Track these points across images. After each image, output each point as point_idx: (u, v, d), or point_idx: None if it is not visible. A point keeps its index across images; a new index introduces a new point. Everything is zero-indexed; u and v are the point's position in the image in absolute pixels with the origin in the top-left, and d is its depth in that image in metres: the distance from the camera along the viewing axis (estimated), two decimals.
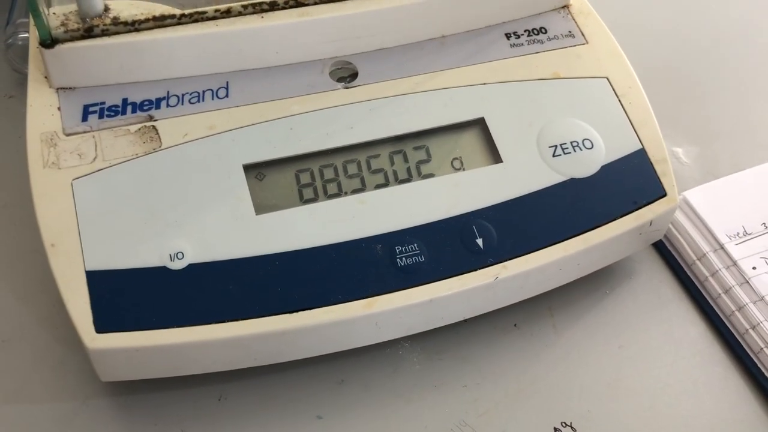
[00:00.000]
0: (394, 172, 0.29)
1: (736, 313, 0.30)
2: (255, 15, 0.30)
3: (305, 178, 0.29)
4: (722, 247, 0.32)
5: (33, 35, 0.30)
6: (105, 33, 0.28)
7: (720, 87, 0.41)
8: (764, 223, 0.33)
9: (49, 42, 0.28)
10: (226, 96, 0.29)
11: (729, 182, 0.34)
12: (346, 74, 0.31)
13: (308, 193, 0.28)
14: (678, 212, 0.33)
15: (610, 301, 0.32)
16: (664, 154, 0.31)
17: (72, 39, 0.28)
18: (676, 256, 0.33)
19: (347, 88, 0.30)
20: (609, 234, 0.29)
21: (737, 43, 0.43)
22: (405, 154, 0.29)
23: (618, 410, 0.29)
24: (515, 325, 0.31)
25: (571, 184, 0.30)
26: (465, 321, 0.30)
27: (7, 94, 0.37)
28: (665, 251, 0.33)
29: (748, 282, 0.31)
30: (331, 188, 0.28)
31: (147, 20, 0.29)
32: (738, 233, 0.32)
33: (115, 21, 0.28)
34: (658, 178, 0.30)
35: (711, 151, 0.37)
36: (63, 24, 0.28)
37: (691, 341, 0.31)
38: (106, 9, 0.28)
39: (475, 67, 0.32)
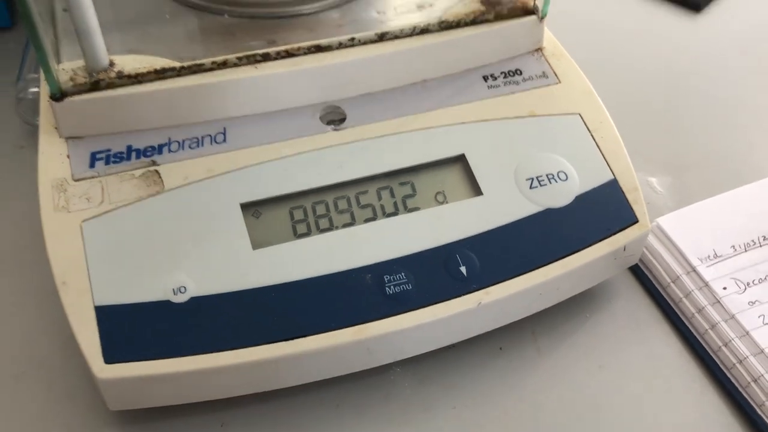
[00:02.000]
0: (382, 207, 0.31)
1: (710, 331, 0.32)
2: (249, 66, 0.32)
3: (298, 215, 0.30)
4: (694, 270, 0.34)
5: (44, 89, 0.32)
6: (110, 86, 0.31)
7: (690, 120, 0.43)
8: (733, 246, 0.34)
9: (58, 95, 0.30)
10: (224, 141, 0.32)
11: (699, 208, 0.36)
12: (335, 117, 0.33)
13: (302, 228, 0.30)
14: (652, 237, 0.35)
15: (590, 324, 0.33)
16: (635, 184, 0.33)
17: (80, 92, 0.30)
18: (652, 279, 0.35)
19: (336, 130, 0.33)
20: (585, 259, 0.31)
21: (705, 78, 0.46)
22: (392, 190, 0.31)
23: (600, 427, 0.30)
24: (500, 348, 0.32)
25: (548, 213, 0.32)
26: (453, 346, 0.31)
27: (18, 145, 0.39)
28: (641, 274, 0.35)
29: (719, 302, 0.32)
30: (323, 223, 0.30)
31: (149, 73, 0.31)
32: (709, 256, 0.34)
33: (120, 74, 0.31)
34: (630, 206, 0.32)
35: (683, 180, 0.39)
36: (71, 79, 0.30)
37: (669, 359, 0.32)
38: (111, 63, 0.31)
39: (456, 108, 0.34)
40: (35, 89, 0.38)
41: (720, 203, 0.36)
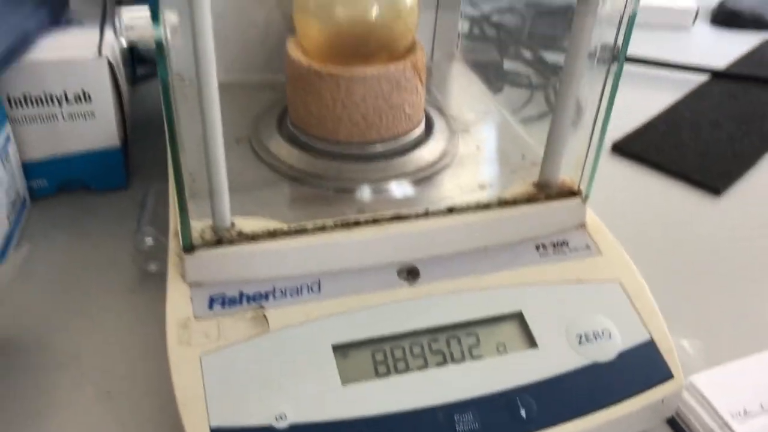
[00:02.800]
0: (451, 353, 0.36)
1: None
2: (343, 230, 0.38)
3: (380, 357, 0.36)
4: (727, 425, 0.37)
5: (173, 242, 0.39)
6: (231, 242, 0.37)
7: (717, 289, 0.48)
8: (761, 405, 0.38)
9: (189, 248, 0.37)
10: (319, 291, 0.38)
11: (729, 368, 0.40)
12: (410, 275, 0.39)
13: (382, 368, 0.35)
14: (686, 394, 0.39)
15: None
16: (669, 344, 0.38)
17: (206, 246, 0.37)
18: None
19: (411, 285, 0.38)
20: (627, 410, 0.35)
21: (728, 251, 0.52)
22: (459, 339, 0.37)
23: None
24: None
25: (595, 366, 0.36)
26: None
27: (130, 289, 0.45)
28: (678, 427, 0.39)
29: None
30: (401, 365, 0.35)
31: (263, 233, 0.38)
32: (740, 412, 0.38)
33: (239, 233, 0.37)
34: (666, 363, 0.37)
35: (712, 343, 0.44)
36: (200, 235, 0.37)
37: None
38: (233, 224, 0.38)
39: (513, 271, 0.40)
40: (151, 241, 0.45)
41: (747, 365, 0.41)
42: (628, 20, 0.36)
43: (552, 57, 0.68)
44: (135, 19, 0.31)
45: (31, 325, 0.42)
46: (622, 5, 0.36)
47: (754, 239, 0.53)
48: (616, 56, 0.37)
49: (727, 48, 0.85)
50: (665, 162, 0.61)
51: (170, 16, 0.30)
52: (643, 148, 0.63)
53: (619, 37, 0.37)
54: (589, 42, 0.38)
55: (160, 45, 0.30)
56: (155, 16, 0.29)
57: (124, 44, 0.31)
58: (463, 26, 0.60)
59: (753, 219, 0.55)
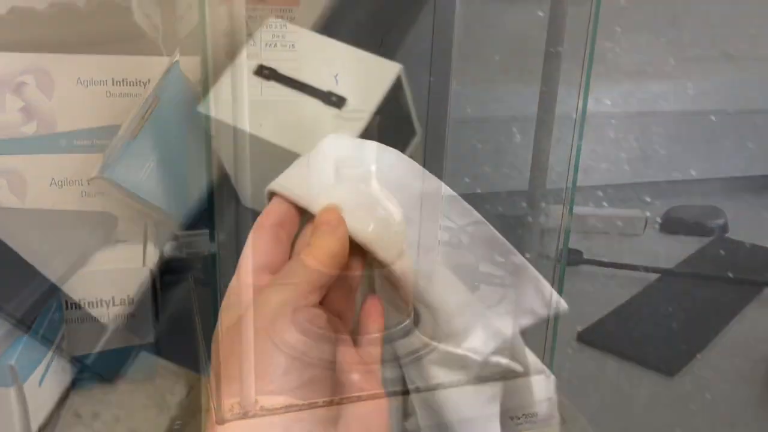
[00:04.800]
0: None
1: None
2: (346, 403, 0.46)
3: None
4: None
5: (206, 417, 0.46)
6: (254, 416, 0.45)
7: None
8: None
9: (221, 421, 0.44)
10: None
11: None
12: None
13: None
14: None
15: None
16: None
17: (234, 419, 0.44)
18: None
19: None
20: None
21: (680, 419, 0.59)
22: None
23: None
24: None
25: None
26: None
27: None
28: None
29: None
30: None
31: (281, 408, 0.45)
32: None
33: (262, 408, 0.45)
34: None
35: None
36: (230, 410, 0.45)
37: None
38: (256, 401, 0.45)
39: None
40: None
41: None
42: (565, 231, 0.47)
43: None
44: (191, 237, 0.41)
45: None
46: (559, 220, 0.47)
47: (701, 412, 0.61)
48: (560, 258, 0.48)
49: (675, 251, 0.98)
50: (624, 348, 0.69)
51: (221, 236, 0.41)
52: (604, 336, 0.72)
53: (560, 243, 0.48)
54: (537, 247, 0.48)
55: (215, 256, 0.40)
56: (212, 237, 0.40)
57: (182, 254, 0.41)
58: (442, 236, 0.71)
59: (701, 396, 0.63)
